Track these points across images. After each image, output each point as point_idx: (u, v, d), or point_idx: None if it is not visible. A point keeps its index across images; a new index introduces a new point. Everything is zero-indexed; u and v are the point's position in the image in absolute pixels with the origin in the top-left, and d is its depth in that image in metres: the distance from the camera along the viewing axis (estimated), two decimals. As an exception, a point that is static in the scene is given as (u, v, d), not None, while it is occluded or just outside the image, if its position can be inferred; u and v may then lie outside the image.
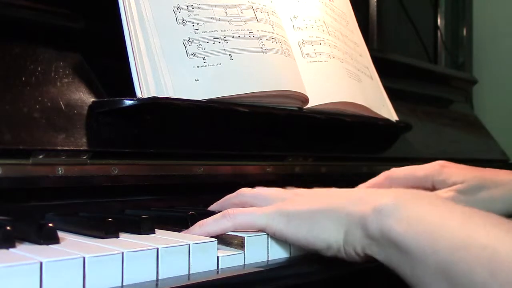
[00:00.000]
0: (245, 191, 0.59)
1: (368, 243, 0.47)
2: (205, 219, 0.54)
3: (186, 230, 0.54)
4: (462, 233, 0.42)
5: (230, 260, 0.49)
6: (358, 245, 0.47)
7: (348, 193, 0.53)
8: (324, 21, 0.92)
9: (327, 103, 0.84)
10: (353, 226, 0.48)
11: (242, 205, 0.58)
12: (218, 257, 0.48)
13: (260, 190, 0.58)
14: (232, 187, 0.62)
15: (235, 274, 0.47)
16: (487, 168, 0.78)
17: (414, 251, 0.43)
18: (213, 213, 0.56)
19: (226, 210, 0.54)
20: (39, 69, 0.64)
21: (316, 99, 0.82)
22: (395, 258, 0.45)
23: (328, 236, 0.49)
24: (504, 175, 0.75)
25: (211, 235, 0.53)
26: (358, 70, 0.95)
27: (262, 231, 0.53)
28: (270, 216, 0.52)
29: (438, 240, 0.42)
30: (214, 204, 0.63)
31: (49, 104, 0.62)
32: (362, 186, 0.78)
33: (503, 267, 0.38)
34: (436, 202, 0.47)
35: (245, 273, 0.48)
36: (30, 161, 0.59)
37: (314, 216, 0.50)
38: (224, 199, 0.61)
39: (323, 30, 0.90)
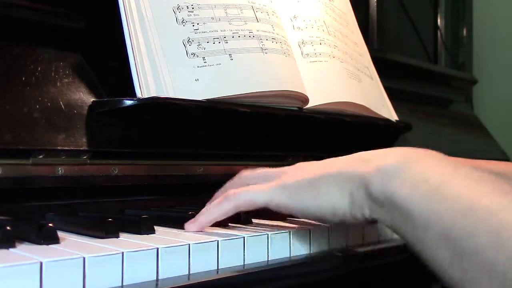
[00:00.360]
0: (245, 172, 0.58)
1: (373, 205, 0.45)
2: (208, 206, 0.54)
3: (190, 221, 0.54)
4: (467, 197, 0.40)
5: (230, 260, 0.49)
6: (365, 208, 0.46)
7: (349, 157, 0.51)
8: (324, 21, 0.92)
9: (327, 103, 0.84)
10: (356, 188, 0.46)
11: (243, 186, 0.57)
12: (218, 257, 0.48)
13: (258, 170, 0.57)
14: (232, 187, 0.62)
15: (235, 274, 0.47)
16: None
17: (417, 215, 0.41)
18: None
19: (227, 192, 0.54)
20: (39, 69, 0.64)
21: (316, 99, 0.82)
22: (398, 222, 0.43)
23: (331, 201, 0.48)
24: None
25: (217, 220, 0.52)
26: (358, 70, 0.95)
27: (266, 207, 0.52)
28: (271, 190, 0.51)
29: (442, 204, 0.40)
30: (217, 192, 0.62)
31: (49, 104, 0.62)
32: None
33: (509, 233, 0.37)
34: (442, 162, 0.44)
35: (245, 273, 0.48)
36: (30, 161, 0.59)
37: (315, 184, 0.49)
38: (226, 185, 0.60)
39: (323, 30, 0.90)
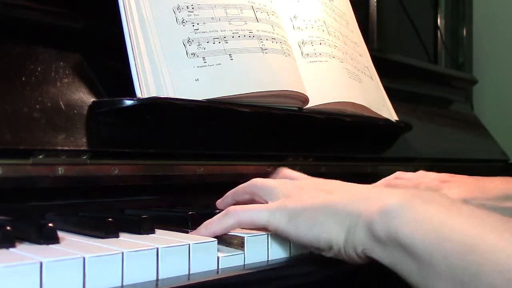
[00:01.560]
0: (257, 181, 0.58)
1: (372, 245, 0.45)
2: (210, 219, 0.54)
3: (193, 231, 0.55)
4: (473, 235, 0.40)
5: (230, 260, 0.49)
6: (359, 246, 0.46)
7: (351, 191, 0.51)
8: (324, 21, 0.92)
9: (327, 103, 0.84)
10: (355, 227, 0.46)
11: (252, 195, 0.58)
12: (218, 257, 0.48)
13: (267, 183, 0.57)
14: (232, 187, 0.62)
15: (235, 274, 0.47)
16: (483, 178, 0.78)
17: (422, 253, 0.41)
18: (212, 213, 0.56)
19: (228, 208, 0.54)
20: (39, 69, 0.64)
21: (316, 99, 0.82)
22: (400, 261, 0.43)
23: (329, 235, 0.48)
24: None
25: (216, 235, 0.53)
26: (358, 70, 0.95)
27: (265, 227, 0.53)
28: (272, 213, 0.52)
29: (447, 242, 0.40)
30: (228, 192, 0.63)
31: (49, 104, 0.62)
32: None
33: None
34: (445, 201, 0.45)
35: (245, 273, 0.48)
36: (30, 161, 0.59)
37: (316, 215, 0.49)
38: (237, 188, 0.60)
39: (323, 30, 0.90)
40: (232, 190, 0.61)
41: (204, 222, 0.55)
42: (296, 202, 0.52)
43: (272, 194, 0.55)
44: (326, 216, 0.49)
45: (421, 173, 0.82)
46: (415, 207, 0.44)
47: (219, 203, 0.62)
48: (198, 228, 0.54)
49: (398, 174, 0.82)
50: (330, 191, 0.52)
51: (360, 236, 0.46)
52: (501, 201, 0.73)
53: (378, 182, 0.80)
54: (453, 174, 0.78)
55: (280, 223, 0.51)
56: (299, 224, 0.50)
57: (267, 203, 0.55)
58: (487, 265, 0.38)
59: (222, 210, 0.55)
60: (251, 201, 0.58)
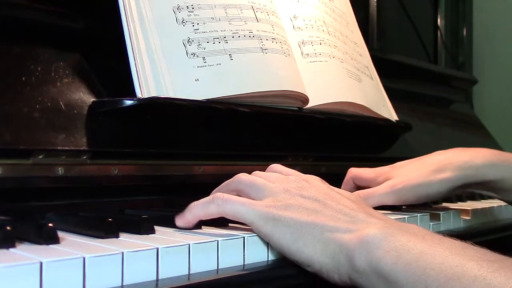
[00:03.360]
0: (242, 177, 0.57)
1: (355, 274, 0.46)
2: (196, 202, 0.54)
3: (179, 215, 0.55)
4: (453, 264, 0.40)
5: (230, 260, 0.49)
6: (343, 274, 0.46)
7: (337, 210, 0.51)
8: (324, 21, 0.92)
9: (327, 103, 0.84)
10: (339, 255, 0.47)
11: (238, 192, 0.57)
12: (218, 257, 0.48)
13: (255, 180, 0.56)
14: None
15: (235, 274, 0.47)
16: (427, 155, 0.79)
17: (404, 283, 0.42)
18: None
19: (216, 194, 0.54)
20: (39, 69, 0.64)
21: (316, 99, 0.82)
22: None
23: (311, 253, 0.48)
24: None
25: (201, 219, 0.54)
26: (358, 70, 0.95)
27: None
28: (257, 214, 0.51)
29: (428, 271, 0.41)
30: (213, 191, 0.62)
31: (49, 104, 0.62)
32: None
33: None
34: (423, 232, 0.46)
35: (245, 273, 0.48)
36: (30, 161, 0.59)
37: (301, 229, 0.49)
38: (221, 186, 0.59)
39: (323, 30, 0.90)
40: (216, 188, 0.60)
41: (190, 204, 0.55)
42: (283, 211, 0.51)
43: (258, 192, 0.54)
44: (312, 235, 0.48)
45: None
46: (396, 237, 0.44)
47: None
48: (183, 212, 0.55)
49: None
50: (316, 209, 0.51)
51: (344, 264, 0.46)
52: (430, 175, 0.74)
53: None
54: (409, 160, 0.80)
55: (265, 227, 0.50)
56: (284, 234, 0.49)
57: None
58: None
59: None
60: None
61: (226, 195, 0.53)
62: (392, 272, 0.43)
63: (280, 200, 0.52)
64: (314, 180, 0.57)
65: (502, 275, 0.39)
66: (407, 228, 0.47)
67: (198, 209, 0.54)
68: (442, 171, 0.74)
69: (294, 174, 0.59)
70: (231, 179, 0.59)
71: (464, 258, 0.41)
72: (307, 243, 0.48)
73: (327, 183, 0.58)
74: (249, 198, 0.54)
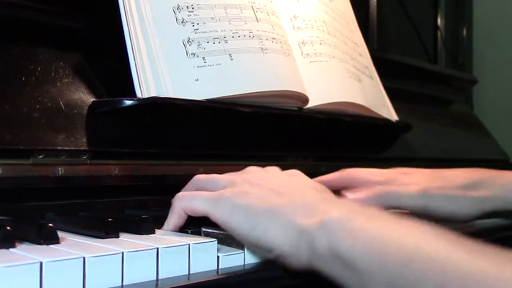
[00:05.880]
0: (199, 176, 0.57)
1: (314, 258, 0.45)
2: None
3: (160, 230, 0.55)
4: (410, 245, 0.40)
5: (230, 260, 0.49)
6: (303, 258, 0.46)
7: (300, 199, 0.50)
8: (324, 21, 0.92)
9: (327, 103, 0.84)
10: (298, 238, 0.46)
11: (198, 190, 0.56)
12: (218, 257, 0.48)
13: (213, 176, 0.56)
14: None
15: (235, 274, 0.47)
16: (444, 169, 0.77)
17: (362, 266, 0.42)
18: None
19: (176, 195, 0.54)
20: (39, 69, 0.64)
21: (316, 99, 0.82)
22: (342, 273, 0.44)
23: (271, 239, 0.47)
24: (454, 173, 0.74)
25: (176, 226, 0.54)
26: (358, 70, 0.95)
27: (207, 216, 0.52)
28: (211, 202, 0.51)
29: (385, 254, 0.41)
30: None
31: (49, 104, 0.62)
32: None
33: (451, 280, 0.37)
34: (382, 215, 0.46)
35: (245, 273, 0.48)
36: (30, 161, 0.59)
37: (259, 216, 0.48)
38: (183, 189, 0.59)
39: (323, 30, 0.90)
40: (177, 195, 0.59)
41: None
42: (241, 197, 0.50)
43: (217, 185, 0.54)
44: (271, 221, 0.48)
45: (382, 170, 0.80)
46: (354, 220, 0.44)
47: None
48: (163, 226, 0.55)
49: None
50: (280, 194, 0.51)
51: (304, 248, 0.46)
52: (463, 190, 0.70)
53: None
54: (415, 168, 0.77)
55: (223, 214, 0.50)
56: (242, 220, 0.49)
57: None
58: (424, 273, 0.38)
59: None
60: None
61: (179, 194, 0.54)
62: (349, 254, 0.42)
63: (238, 189, 0.52)
64: (275, 171, 0.57)
65: (461, 252, 0.38)
66: (367, 211, 0.47)
67: (170, 218, 0.54)
68: (478, 188, 0.70)
69: (256, 168, 0.58)
70: (189, 182, 0.59)
71: (420, 238, 0.41)
72: (267, 229, 0.48)
73: (294, 172, 0.57)
74: None
